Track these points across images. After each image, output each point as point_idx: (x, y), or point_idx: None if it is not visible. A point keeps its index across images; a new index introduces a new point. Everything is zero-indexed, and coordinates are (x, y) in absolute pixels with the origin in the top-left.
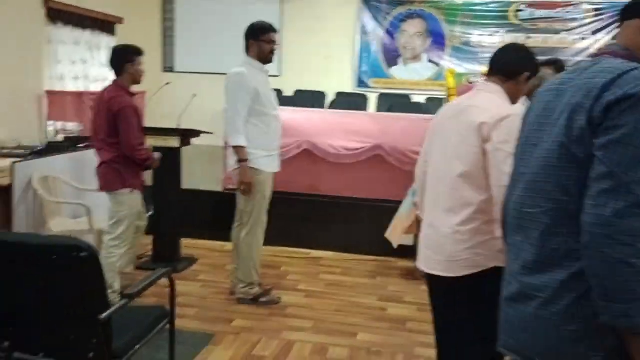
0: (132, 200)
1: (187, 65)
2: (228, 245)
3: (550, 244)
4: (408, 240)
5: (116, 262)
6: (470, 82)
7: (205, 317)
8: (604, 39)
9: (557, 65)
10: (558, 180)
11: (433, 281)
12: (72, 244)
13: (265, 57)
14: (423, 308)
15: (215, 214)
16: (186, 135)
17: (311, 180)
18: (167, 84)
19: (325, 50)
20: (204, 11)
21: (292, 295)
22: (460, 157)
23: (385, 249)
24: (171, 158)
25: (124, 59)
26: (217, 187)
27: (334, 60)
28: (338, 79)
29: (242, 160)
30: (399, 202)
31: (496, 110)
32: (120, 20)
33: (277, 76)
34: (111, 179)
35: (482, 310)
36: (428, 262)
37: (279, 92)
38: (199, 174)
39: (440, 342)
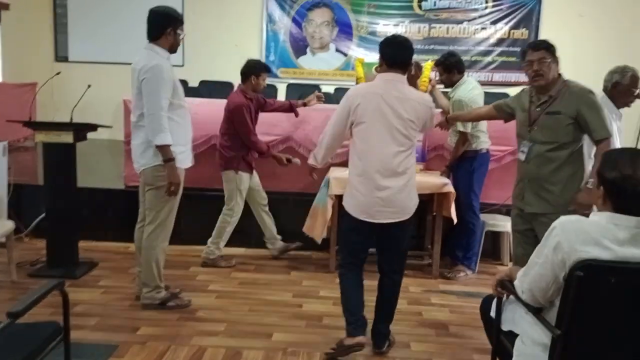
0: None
1: (83, 54)
2: (132, 247)
3: None
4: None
5: (225, 227)
6: (379, 72)
7: (107, 327)
8: (502, 29)
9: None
10: None
11: (384, 226)
12: None
13: (176, 48)
14: (338, 302)
15: (116, 213)
16: (81, 130)
17: (220, 175)
18: (58, 73)
19: (232, 39)
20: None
21: (203, 297)
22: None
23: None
24: (64, 154)
25: (253, 71)
26: (118, 184)
27: (241, 49)
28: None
29: (169, 160)
30: (313, 195)
31: (428, 98)
32: (5, 6)
33: (180, 66)
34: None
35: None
36: (385, 214)
37: (183, 82)
38: (97, 171)
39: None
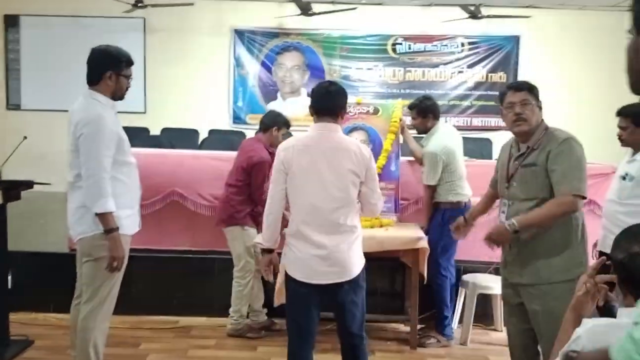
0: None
1: (37, 101)
2: None
3: None
4: None
5: (242, 290)
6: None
7: None
8: (480, 72)
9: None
10: None
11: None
12: None
13: (121, 94)
14: None
15: (58, 280)
16: (12, 188)
17: (180, 235)
18: (25, 138)
19: (198, 84)
20: (55, 42)
21: None
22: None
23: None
24: None
25: (277, 124)
26: (61, 247)
27: (208, 95)
28: (212, 115)
29: (111, 230)
30: None
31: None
32: None
33: (142, 113)
34: None
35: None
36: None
37: (144, 130)
38: (42, 231)
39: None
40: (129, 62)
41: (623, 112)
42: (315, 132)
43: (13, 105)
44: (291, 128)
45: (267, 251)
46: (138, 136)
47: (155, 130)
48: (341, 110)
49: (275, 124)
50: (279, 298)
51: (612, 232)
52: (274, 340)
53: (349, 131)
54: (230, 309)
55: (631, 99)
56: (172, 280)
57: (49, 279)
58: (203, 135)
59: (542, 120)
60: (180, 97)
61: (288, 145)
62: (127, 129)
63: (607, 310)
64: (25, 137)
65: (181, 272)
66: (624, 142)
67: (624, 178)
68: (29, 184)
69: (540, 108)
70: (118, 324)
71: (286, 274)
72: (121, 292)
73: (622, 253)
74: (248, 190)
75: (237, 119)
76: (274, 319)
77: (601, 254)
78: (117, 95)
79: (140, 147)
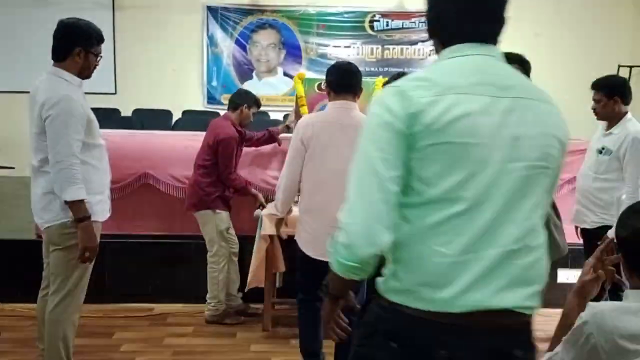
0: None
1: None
2: None
3: None
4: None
5: (217, 275)
6: (322, 90)
7: None
8: None
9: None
10: None
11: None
12: None
13: (89, 73)
14: None
15: (25, 268)
16: None
17: (154, 219)
18: None
19: (170, 64)
20: (15, 20)
21: None
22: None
23: (246, 293)
24: None
25: (246, 101)
26: (28, 234)
27: (181, 74)
28: (185, 95)
29: (83, 219)
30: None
31: None
32: None
33: (112, 94)
34: None
35: None
36: None
37: (115, 112)
38: (5, 217)
39: None
40: (100, 39)
41: (596, 85)
42: (334, 110)
43: None
44: (268, 109)
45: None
46: (109, 118)
47: (126, 112)
48: (360, 89)
49: (245, 102)
50: (254, 281)
51: (587, 207)
52: (252, 327)
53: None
54: (207, 295)
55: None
56: (146, 266)
57: (15, 268)
58: (177, 116)
59: None
60: (152, 77)
61: (308, 122)
62: (97, 111)
63: (614, 293)
64: None
65: (156, 258)
66: (598, 115)
67: (600, 152)
68: None
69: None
70: (90, 313)
71: (299, 252)
72: (93, 280)
73: (627, 230)
74: (217, 171)
75: (211, 99)
76: (249, 304)
77: (586, 233)
78: (84, 74)
79: (111, 129)
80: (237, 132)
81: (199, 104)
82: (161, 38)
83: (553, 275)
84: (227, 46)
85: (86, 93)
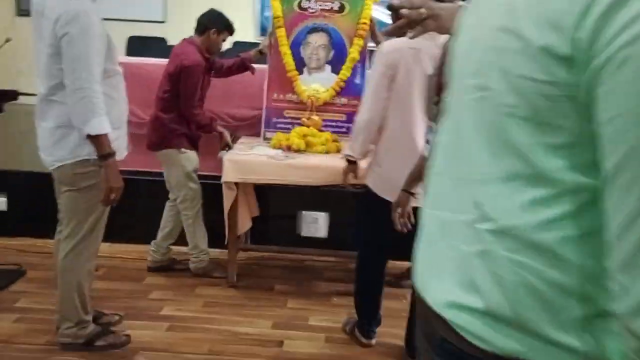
0: None
1: None
2: None
3: None
4: None
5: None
6: (304, 9)
7: None
8: None
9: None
10: None
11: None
12: None
13: None
14: (331, 339)
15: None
16: None
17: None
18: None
19: None
20: None
21: (150, 328)
22: None
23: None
24: None
25: (216, 24)
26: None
27: (233, 3)
28: (237, 26)
29: (108, 155)
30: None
31: None
32: None
33: (162, 22)
34: None
35: None
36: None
37: (163, 41)
38: (28, 151)
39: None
40: None
41: None
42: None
43: (24, 10)
44: None
45: (353, 162)
46: (155, 47)
47: (174, 41)
48: None
49: (215, 26)
50: (245, 224)
51: None
52: (293, 275)
53: (307, 32)
54: (187, 249)
55: None
56: None
57: (47, 202)
58: (226, 47)
59: None
60: (202, 6)
61: (395, 47)
62: (143, 39)
63: None
64: (8, 39)
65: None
66: None
67: None
68: (12, 95)
69: None
70: (123, 254)
71: (368, 201)
72: (127, 221)
73: None
74: (178, 104)
75: (264, 30)
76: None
77: None
78: None
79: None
80: (204, 59)
81: (250, 35)
82: None
83: None
84: None
85: (133, 20)
